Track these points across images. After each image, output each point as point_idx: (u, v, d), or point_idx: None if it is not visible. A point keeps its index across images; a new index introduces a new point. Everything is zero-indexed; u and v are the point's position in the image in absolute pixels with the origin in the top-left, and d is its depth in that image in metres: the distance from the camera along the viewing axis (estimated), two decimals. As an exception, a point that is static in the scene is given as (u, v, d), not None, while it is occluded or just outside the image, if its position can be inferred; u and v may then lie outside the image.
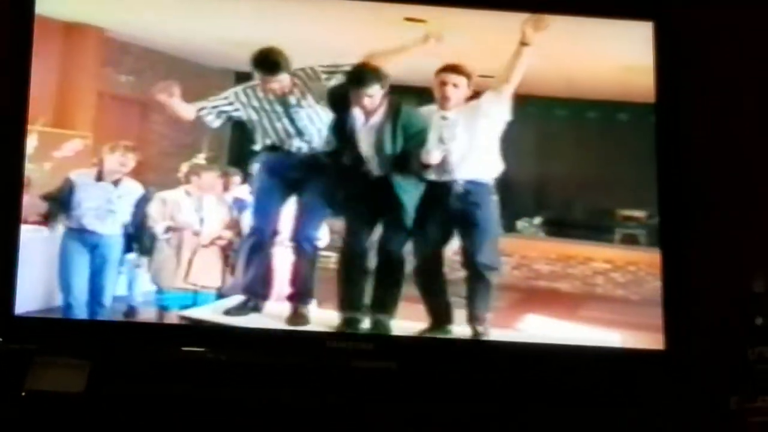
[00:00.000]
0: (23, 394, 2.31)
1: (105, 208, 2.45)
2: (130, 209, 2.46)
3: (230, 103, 2.47)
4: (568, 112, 2.54)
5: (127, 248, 2.47)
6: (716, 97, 2.59)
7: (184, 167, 2.49)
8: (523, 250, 2.51)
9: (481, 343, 2.41)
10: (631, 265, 2.50)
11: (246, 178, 2.50)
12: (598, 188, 2.53)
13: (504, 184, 2.47)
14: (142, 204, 2.46)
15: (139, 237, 2.46)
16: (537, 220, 2.51)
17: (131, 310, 2.45)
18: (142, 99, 2.48)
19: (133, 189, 2.47)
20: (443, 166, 2.42)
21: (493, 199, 2.43)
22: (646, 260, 2.49)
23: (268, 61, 2.44)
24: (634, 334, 2.44)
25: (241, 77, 2.49)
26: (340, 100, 2.45)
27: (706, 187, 2.55)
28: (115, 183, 2.46)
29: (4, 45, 2.45)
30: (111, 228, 2.45)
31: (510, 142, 2.45)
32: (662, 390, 2.42)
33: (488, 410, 2.38)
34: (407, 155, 2.42)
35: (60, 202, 2.44)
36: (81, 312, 2.41)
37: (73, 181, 2.45)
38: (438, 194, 2.42)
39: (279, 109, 2.46)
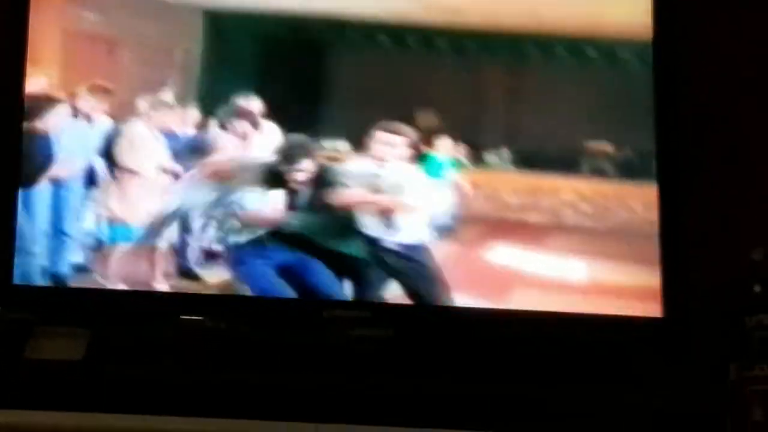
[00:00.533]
0: (23, 362, 2.33)
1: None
2: (98, 144, 2.46)
3: None
4: (537, 47, 2.57)
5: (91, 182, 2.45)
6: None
7: (147, 102, 2.48)
8: (492, 183, 2.54)
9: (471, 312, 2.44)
10: (598, 197, 2.54)
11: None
12: (567, 122, 2.56)
13: (472, 119, 2.52)
14: (110, 138, 2.45)
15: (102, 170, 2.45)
16: (506, 154, 2.53)
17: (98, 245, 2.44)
18: (110, 37, 2.49)
19: (104, 124, 2.46)
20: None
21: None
22: (613, 192, 2.53)
23: None
24: (602, 263, 2.49)
25: (210, 15, 2.50)
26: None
27: (703, 147, 2.58)
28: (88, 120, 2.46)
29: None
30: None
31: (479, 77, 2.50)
32: (659, 358, 2.44)
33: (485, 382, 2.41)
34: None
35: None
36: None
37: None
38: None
39: None
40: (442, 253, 2.48)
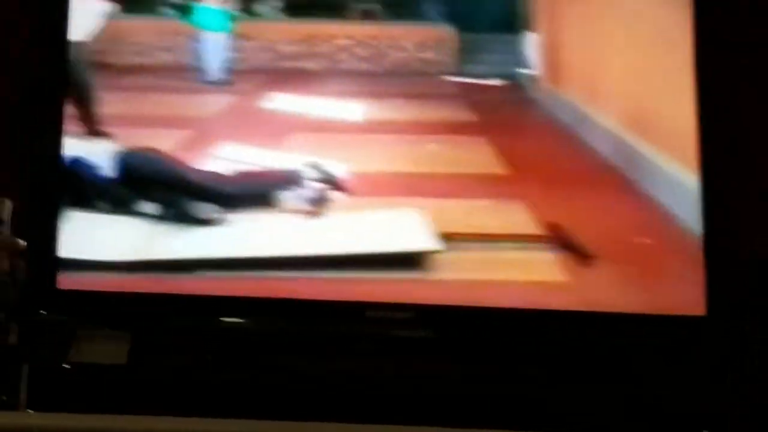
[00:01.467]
0: (66, 366, 2.31)
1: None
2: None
3: None
4: None
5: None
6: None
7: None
8: (265, 34, 2.57)
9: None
10: (371, 39, 2.59)
11: None
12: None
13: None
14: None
15: None
16: (276, 3, 2.57)
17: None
18: None
19: None
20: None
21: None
22: (385, 34, 2.60)
23: None
24: (378, 103, 2.55)
25: None
26: None
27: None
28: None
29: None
30: None
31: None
32: (702, 357, 2.42)
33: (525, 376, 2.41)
34: None
35: None
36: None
37: None
38: None
39: None
40: (219, 105, 2.52)
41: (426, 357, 2.41)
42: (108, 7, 2.51)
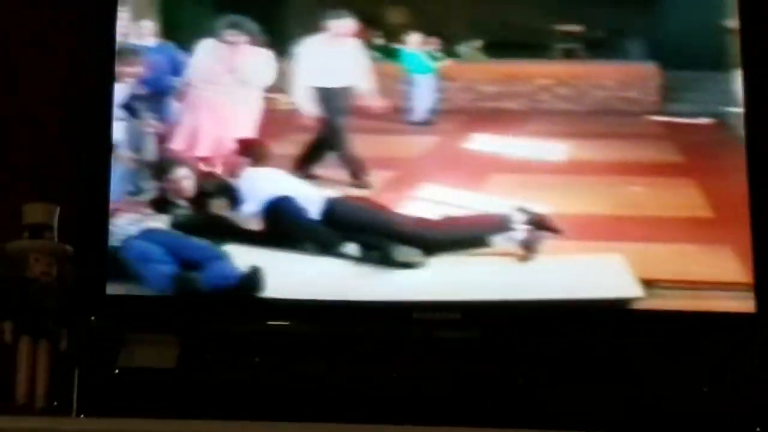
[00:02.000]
0: (116, 371, 2.40)
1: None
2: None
3: None
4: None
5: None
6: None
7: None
8: (466, 74, 2.59)
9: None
10: (572, 79, 2.57)
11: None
12: (532, 6, 2.60)
13: (441, 12, 2.57)
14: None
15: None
16: (476, 44, 2.58)
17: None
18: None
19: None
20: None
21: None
22: (586, 73, 2.57)
23: None
24: (580, 143, 2.53)
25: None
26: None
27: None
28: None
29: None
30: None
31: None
32: (752, 355, 2.43)
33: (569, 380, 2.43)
34: None
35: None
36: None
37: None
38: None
39: None
40: (422, 146, 2.55)
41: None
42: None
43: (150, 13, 2.55)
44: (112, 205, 2.44)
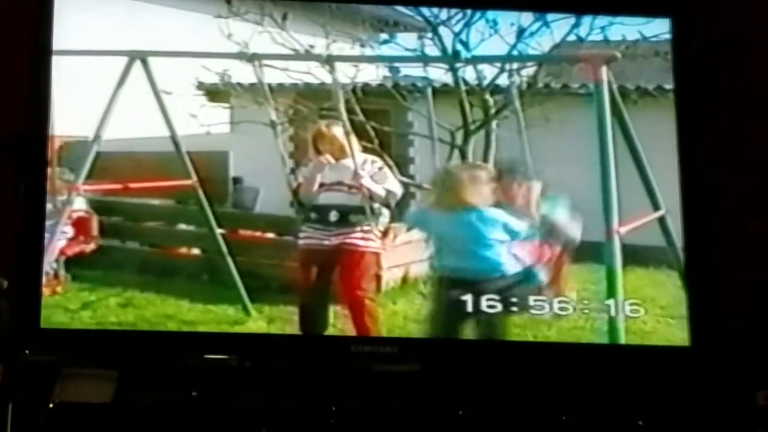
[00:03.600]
0: (51, 405, 2.35)
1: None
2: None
3: None
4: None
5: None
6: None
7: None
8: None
9: (499, 345, 2.48)
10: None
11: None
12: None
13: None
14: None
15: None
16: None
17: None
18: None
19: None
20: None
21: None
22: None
23: None
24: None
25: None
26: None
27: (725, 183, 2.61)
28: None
29: None
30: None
31: None
32: (686, 386, 2.49)
33: (509, 411, 2.46)
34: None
35: None
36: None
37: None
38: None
39: None
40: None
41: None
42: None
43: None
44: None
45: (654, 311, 2.49)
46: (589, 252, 2.49)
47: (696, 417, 2.47)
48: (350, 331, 2.44)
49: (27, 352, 2.35)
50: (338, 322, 2.45)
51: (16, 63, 2.50)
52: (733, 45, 2.66)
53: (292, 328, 2.44)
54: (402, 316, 2.48)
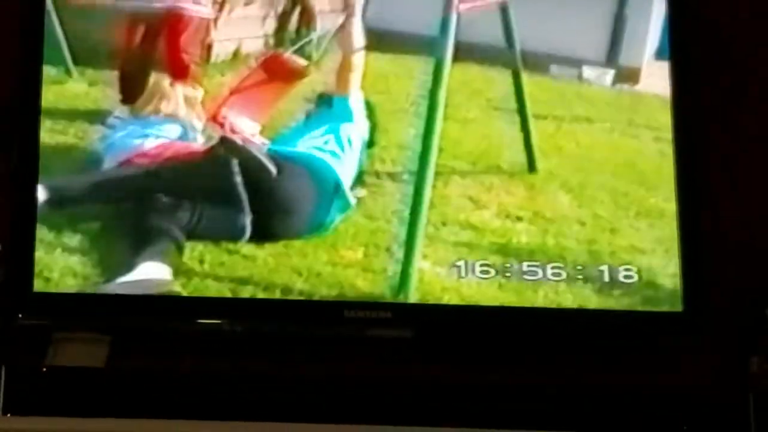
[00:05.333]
0: (44, 369, 2.35)
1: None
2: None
3: None
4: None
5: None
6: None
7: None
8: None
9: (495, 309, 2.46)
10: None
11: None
12: None
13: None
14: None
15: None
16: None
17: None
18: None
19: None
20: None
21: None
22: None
23: None
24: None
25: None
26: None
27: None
28: None
29: None
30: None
31: None
32: (679, 352, 2.48)
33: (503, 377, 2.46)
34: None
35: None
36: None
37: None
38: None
39: None
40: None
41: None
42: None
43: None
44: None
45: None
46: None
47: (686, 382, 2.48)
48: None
49: (19, 315, 2.34)
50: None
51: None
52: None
53: (113, 91, 2.46)
54: (228, 87, 2.49)
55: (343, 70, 2.52)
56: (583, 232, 2.48)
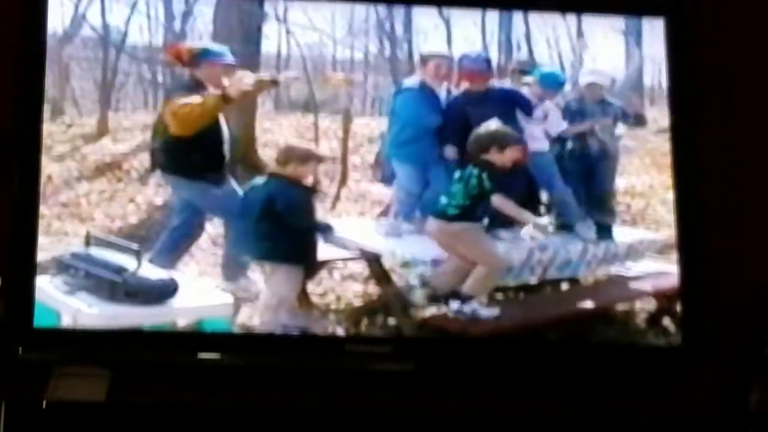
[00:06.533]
0: (44, 404, 2.33)
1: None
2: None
3: None
4: None
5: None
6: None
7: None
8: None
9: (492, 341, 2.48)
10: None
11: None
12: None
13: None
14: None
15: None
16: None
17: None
18: None
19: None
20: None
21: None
22: None
23: None
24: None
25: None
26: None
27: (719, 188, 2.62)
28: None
29: None
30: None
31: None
32: (679, 385, 2.50)
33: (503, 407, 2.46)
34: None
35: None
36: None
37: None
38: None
39: None
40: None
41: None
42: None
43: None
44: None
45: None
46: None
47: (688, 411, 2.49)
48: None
49: (19, 350, 2.34)
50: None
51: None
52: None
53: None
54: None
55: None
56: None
